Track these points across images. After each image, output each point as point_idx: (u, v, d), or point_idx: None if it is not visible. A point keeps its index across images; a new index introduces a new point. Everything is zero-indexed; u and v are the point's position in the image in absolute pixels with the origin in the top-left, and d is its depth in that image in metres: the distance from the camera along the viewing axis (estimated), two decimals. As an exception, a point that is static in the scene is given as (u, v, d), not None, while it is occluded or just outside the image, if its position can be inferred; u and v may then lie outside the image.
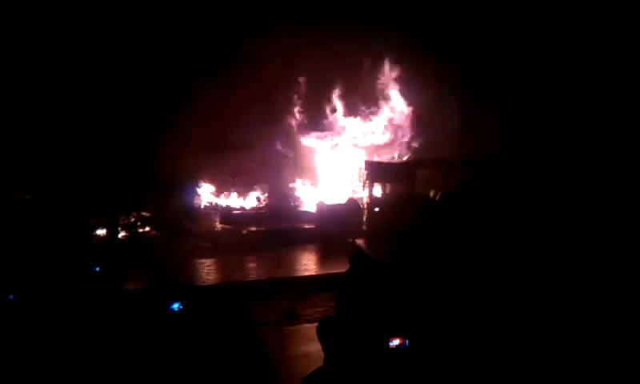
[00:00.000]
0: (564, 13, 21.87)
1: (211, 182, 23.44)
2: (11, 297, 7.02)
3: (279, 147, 24.50)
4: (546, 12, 22.27)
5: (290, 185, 24.09)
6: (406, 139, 24.98)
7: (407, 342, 5.08)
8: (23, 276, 8.21)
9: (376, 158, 23.09)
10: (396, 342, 5.07)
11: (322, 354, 4.62)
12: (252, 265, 15.90)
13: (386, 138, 25.06)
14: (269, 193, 23.50)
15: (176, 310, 6.05)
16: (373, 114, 25.04)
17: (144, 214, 19.75)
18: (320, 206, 20.19)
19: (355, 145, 24.73)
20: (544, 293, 10.49)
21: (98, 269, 9.26)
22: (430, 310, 7.13)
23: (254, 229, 19.78)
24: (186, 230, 19.17)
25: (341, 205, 20.08)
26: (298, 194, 23.96)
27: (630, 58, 20.41)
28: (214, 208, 22.51)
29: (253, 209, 22.67)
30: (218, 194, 23.55)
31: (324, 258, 16.78)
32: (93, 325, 7.49)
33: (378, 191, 20.82)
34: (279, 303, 11.80)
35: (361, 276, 6.69)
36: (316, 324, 5.14)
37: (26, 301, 7.11)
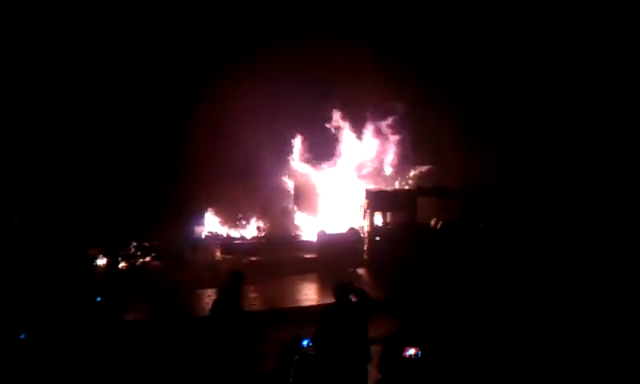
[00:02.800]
0: (560, 41, 22.18)
1: (212, 211, 23.45)
2: (23, 336, 6.91)
3: (279, 176, 24.59)
4: (543, 40, 22.59)
5: (291, 214, 24.10)
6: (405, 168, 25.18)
7: (420, 353, 5.08)
8: (30, 313, 8.14)
9: (376, 187, 23.12)
10: (410, 352, 5.06)
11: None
12: (253, 295, 15.81)
13: (386, 169, 25.26)
14: (269, 222, 23.48)
15: (305, 346, 5.92)
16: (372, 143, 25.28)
17: (144, 244, 19.69)
18: (321, 235, 20.16)
19: (355, 174, 24.86)
20: (545, 312, 10.66)
21: (99, 299, 9.21)
22: (442, 323, 7.18)
23: (254, 258, 19.72)
24: (187, 259, 19.11)
25: (341, 234, 20.03)
26: (298, 223, 23.95)
27: (628, 81, 20.66)
28: (214, 238, 22.46)
29: (253, 238, 22.62)
30: (218, 223, 23.53)
31: (325, 287, 16.69)
32: (94, 355, 7.44)
33: (378, 220, 20.81)
34: (280, 334, 11.70)
35: (345, 311, 6.66)
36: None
37: (36, 339, 7.02)
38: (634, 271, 13.57)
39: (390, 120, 25.11)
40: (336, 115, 24.98)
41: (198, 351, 8.53)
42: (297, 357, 5.84)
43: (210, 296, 15.53)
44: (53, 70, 20.16)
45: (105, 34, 21.10)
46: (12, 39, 19.53)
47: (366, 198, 21.37)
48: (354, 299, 6.83)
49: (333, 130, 25.13)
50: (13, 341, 6.79)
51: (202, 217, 23.15)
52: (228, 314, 7.39)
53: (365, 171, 25.09)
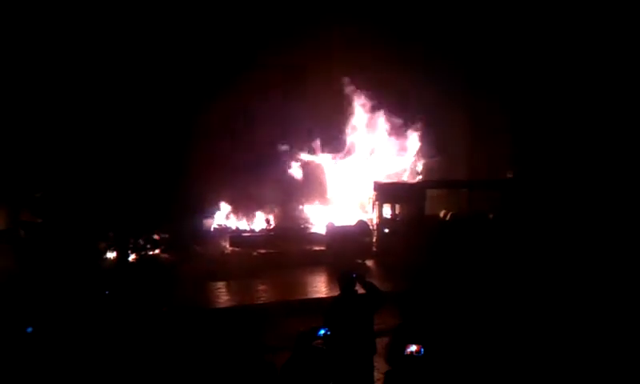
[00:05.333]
0: (569, 33, 21.99)
1: (221, 204, 23.49)
2: (30, 330, 6.93)
3: (288, 168, 24.57)
4: (553, 32, 22.40)
5: (300, 206, 24.09)
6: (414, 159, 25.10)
7: (422, 350, 5.04)
8: (38, 306, 8.17)
9: (385, 179, 23.07)
10: (412, 348, 5.04)
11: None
12: (262, 287, 15.87)
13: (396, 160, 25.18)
14: (278, 214, 23.49)
15: (322, 335, 5.93)
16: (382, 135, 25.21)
17: (154, 236, 19.74)
18: (330, 227, 20.15)
19: (365, 165, 24.80)
20: (553, 306, 10.59)
21: (107, 292, 9.26)
22: (445, 320, 7.18)
23: (263, 251, 19.76)
24: (196, 252, 19.17)
25: (350, 226, 20.01)
26: (307, 215, 23.94)
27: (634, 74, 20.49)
28: (223, 230, 22.51)
29: (262, 231, 22.64)
30: (227, 216, 23.59)
31: (334, 279, 16.69)
32: (102, 347, 7.48)
33: (387, 212, 20.77)
34: (290, 326, 11.74)
35: (350, 303, 6.64)
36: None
37: (44, 332, 7.04)
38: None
39: (400, 112, 25.02)
40: (348, 106, 24.91)
41: (208, 344, 8.57)
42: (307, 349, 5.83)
43: (219, 289, 15.62)
44: (64, 64, 20.21)
45: (123, 33, 21.14)
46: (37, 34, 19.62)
47: (375, 190, 21.32)
48: (360, 291, 6.81)
49: (344, 122, 25.07)
50: (20, 335, 6.82)
51: (212, 209, 23.18)
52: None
53: (374, 163, 25.00)
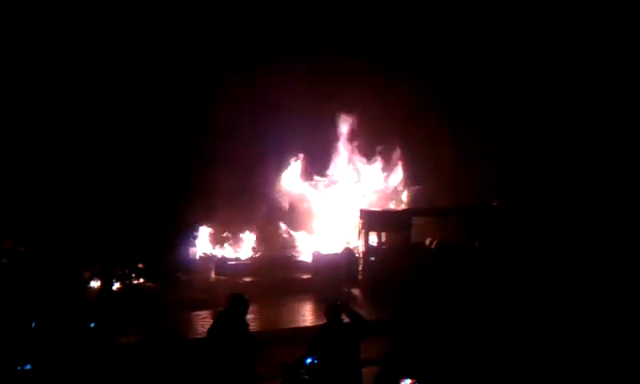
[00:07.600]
0: (556, 61, 22.44)
1: (207, 232, 23.36)
2: (28, 367, 6.78)
3: (275, 196, 24.57)
4: (535, 60, 22.85)
5: (286, 234, 24.06)
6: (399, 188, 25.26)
7: None
8: (32, 342, 8.00)
9: (371, 207, 23.15)
10: (406, 382, 5.04)
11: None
12: (248, 316, 15.71)
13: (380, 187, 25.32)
14: (264, 243, 23.41)
15: (309, 364, 5.90)
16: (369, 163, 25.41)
17: (138, 265, 19.54)
18: (316, 255, 20.12)
19: (351, 194, 24.90)
20: (542, 333, 10.63)
21: (92, 325, 9.12)
22: (437, 354, 7.17)
23: (249, 279, 19.64)
24: (181, 281, 18.99)
25: (336, 254, 20.01)
26: (293, 243, 23.89)
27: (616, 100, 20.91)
28: (209, 258, 22.35)
29: (248, 259, 22.53)
30: (213, 244, 23.45)
31: (321, 308, 16.59)
32: (88, 380, 7.39)
33: (373, 240, 20.80)
34: (276, 355, 11.64)
35: (336, 332, 6.64)
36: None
37: (40, 369, 6.88)
38: (628, 288, 13.60)
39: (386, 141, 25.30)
40: (334, 134, 25.09)
41: (193, 374, 8.48)
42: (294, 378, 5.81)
43: (204, 318, 15.48)
44: (45, 90, 20.16)
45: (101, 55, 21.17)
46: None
47: (361, 217, 21.35)
48: (346, 320, 6.82)
49: (330, 149, 25.22)
50: (17, 372, 6.68)
51: (197, 237, 23.02)
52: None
53: (361, 191, 25.13)
